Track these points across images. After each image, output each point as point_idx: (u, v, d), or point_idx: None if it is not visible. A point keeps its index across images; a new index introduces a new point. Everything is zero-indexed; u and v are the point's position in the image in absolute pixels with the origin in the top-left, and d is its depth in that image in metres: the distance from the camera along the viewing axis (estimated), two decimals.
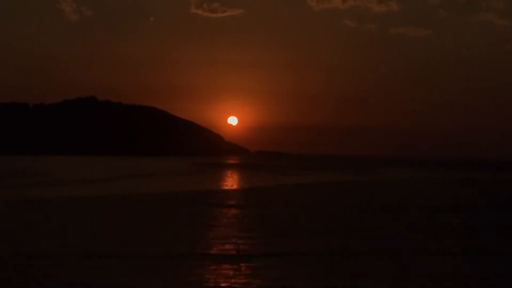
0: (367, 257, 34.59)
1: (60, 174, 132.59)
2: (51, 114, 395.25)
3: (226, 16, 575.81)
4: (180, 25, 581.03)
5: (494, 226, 50.61)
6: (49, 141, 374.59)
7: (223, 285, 27.21)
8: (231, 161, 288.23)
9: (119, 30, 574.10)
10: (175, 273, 29.24)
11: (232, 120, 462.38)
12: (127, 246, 36.84)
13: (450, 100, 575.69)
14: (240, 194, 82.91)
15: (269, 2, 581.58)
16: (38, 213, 54.46)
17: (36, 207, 60.41)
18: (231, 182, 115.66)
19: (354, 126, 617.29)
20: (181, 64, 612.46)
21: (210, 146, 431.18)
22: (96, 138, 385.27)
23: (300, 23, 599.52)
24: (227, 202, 69.00)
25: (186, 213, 56.13)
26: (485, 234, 45.84)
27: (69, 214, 53.77)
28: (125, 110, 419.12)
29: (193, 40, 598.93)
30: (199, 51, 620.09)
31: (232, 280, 28.09)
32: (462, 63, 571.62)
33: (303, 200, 73.49)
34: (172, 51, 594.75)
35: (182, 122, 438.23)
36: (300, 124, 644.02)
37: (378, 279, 28.71)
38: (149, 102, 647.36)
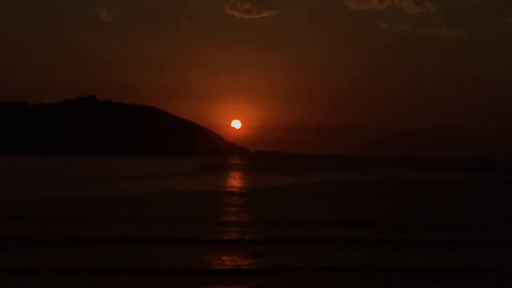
0: None
1: (65, 174, 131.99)
2: (51, 114, 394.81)
3: (261, 18, 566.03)
4: (213, 26, 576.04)
5: None
6: (49, 141, 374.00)
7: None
8: (234, 162, 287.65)
9: (148, 31, 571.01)
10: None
11: (236, 124, 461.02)
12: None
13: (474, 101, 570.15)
14: (250, 194, 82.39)
15: (307, 3, 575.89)
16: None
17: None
18: (240, 182, 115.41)
19: (377, 127, 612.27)
20: (203, 66, 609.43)
21: (210, 146, 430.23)
22: (96, 138, 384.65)
23: (333, 24, 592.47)
24: (240, 203, 68.70)
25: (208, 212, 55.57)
26: None
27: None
28: (125, 110, 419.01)
29: (222, 41, 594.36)
30: (224, 52, 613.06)
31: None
32: (494, 64, 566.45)
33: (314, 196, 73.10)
34: (197, 52, 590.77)
35: (182, 122, 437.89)
36: (317, 124, 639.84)
37: None
38: (150, 102, 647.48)
